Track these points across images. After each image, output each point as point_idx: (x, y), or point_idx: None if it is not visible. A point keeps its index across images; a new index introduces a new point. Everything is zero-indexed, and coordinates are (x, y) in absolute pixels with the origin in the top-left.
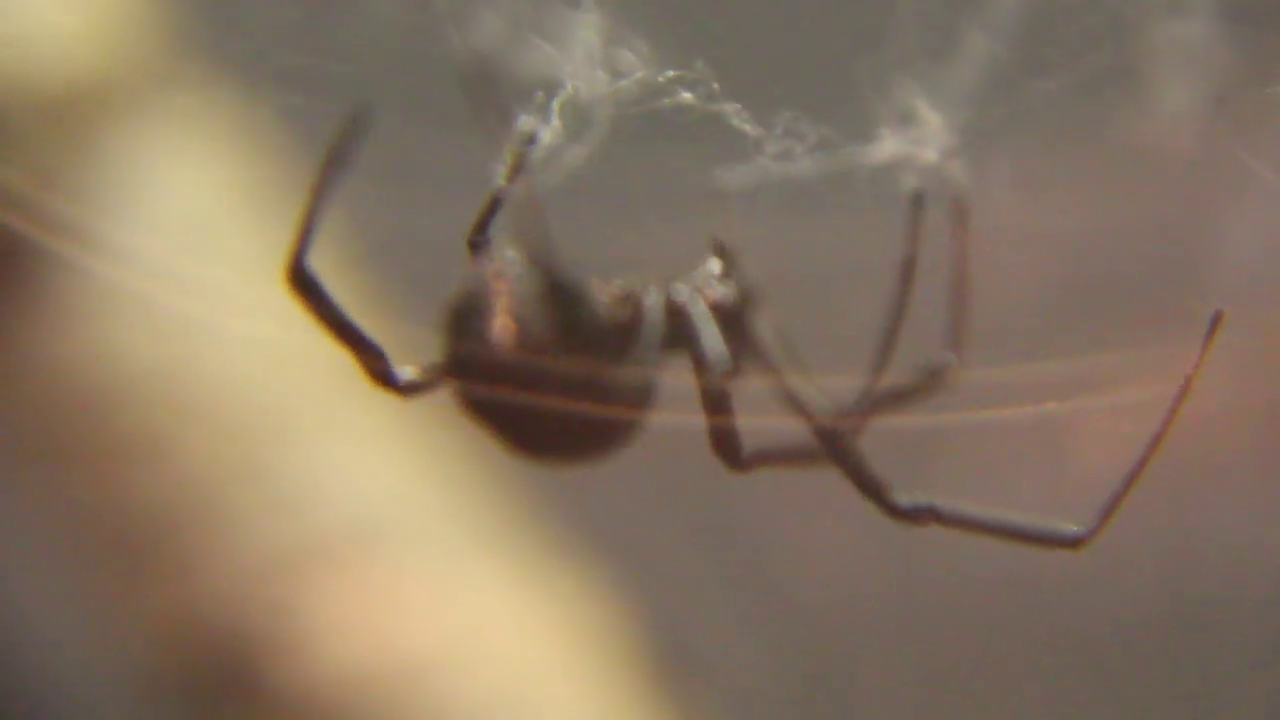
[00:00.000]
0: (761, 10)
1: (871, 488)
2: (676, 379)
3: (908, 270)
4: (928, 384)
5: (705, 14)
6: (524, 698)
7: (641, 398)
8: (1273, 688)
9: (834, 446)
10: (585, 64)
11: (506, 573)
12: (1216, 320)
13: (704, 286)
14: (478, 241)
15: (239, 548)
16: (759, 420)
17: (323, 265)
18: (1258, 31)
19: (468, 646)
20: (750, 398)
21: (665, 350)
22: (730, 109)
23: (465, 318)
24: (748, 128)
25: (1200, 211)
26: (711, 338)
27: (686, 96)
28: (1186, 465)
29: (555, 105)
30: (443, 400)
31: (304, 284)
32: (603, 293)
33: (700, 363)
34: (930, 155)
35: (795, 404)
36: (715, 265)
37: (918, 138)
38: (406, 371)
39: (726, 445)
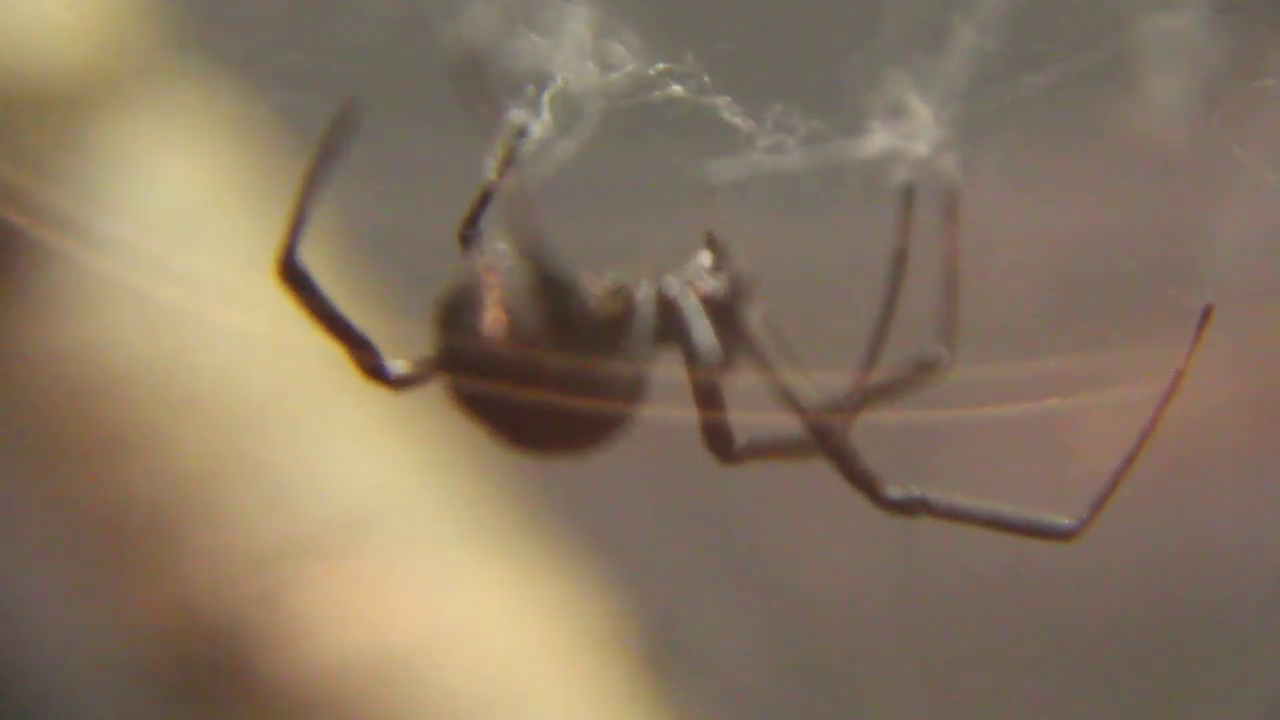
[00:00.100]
0: (752, 3)
1: (862, 480)
2: (668, 372)
3: (899, 263)
4: (919, 377)
5: (696, 7)
6: (515, 690)
7: (633, 390)
8: (1273, 684)
9: (825, 439)
10: (575, 57)
11: (498, 565)
12: (1207, 314)
13: (695, 279)
14: (469, 234)
15: (230, 540)
16: (750, 413)
17: (314, 259)
18: (1248, 24)
19: (459, 638)
20: (741, 391)
21: (656, 343)
22: (721, 102)
23: (456, 311)
24: (738, 121)
25: (1191, 205)
26: (702, 331)
27: (677, 89)
28: (1184, 462)
29: (546, 98)
30: (434, 394)
31: (295, 278)
32: (594, 286)
33: (691, 355)
34: (921, 149)
35: (786, 397)
36: (706, 258)
37: (909, 131)
38: (398, 365)
39: (718, 438)
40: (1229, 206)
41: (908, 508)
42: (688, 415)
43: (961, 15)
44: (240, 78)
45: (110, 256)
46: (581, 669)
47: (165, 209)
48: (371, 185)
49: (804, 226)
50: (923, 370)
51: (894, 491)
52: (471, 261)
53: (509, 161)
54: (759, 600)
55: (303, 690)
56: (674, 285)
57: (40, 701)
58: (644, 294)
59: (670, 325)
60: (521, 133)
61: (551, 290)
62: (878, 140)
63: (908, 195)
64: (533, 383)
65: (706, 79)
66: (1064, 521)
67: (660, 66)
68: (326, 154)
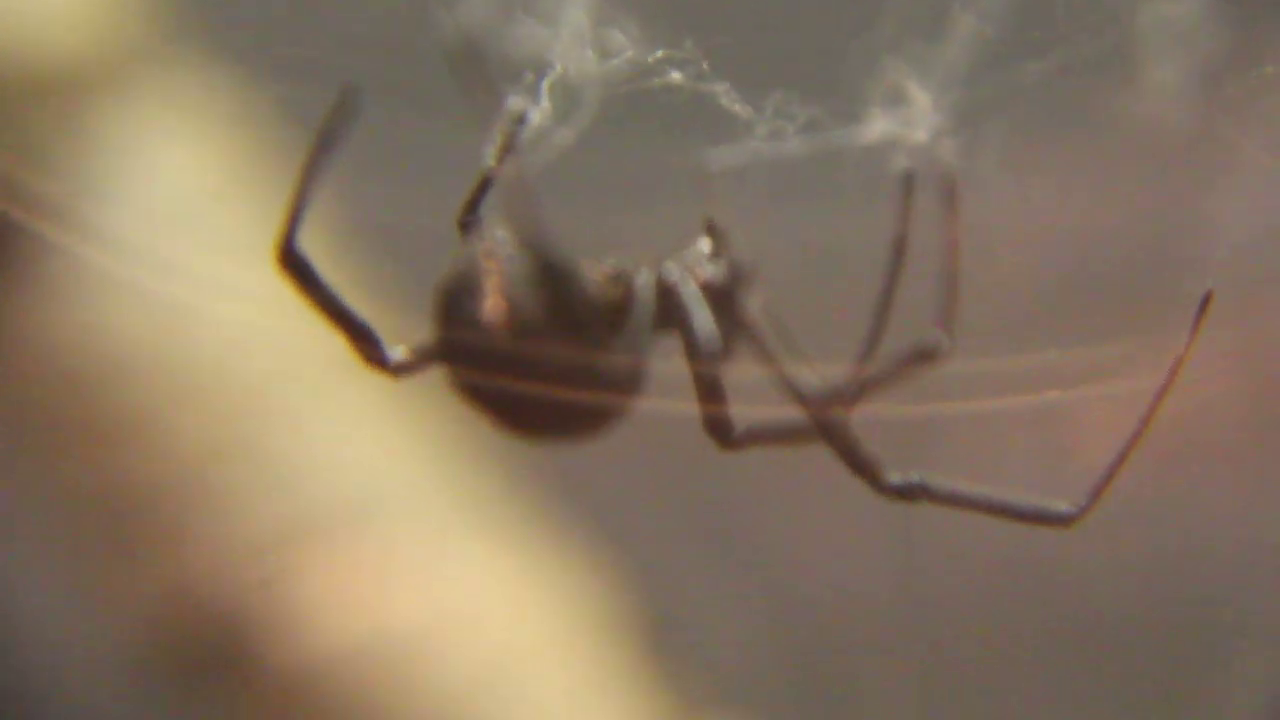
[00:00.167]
0: None
1: (862, 466)
2: (668, 358)
3: (898, 251)
4: (918, 364)
5: None
6: (515, 675)
7: (632, 377)
8: (1273, 683)
9: (825, 425)
10: (574, 44)
11: (498, 551)
12: (1206, 301)
13: (694, 266)
14: (468, 222)
15: (230, 526)
16: (750, 399)
17: (313, 249)
18: (1247, 11)
19: (458, 623)
20: (741, 376)
21: (656, 330)
22: (720, 89)
23: (456, 298)
24: (737, 108)
25: (1191, 192)
26: (702, 317)
27: (676, 77)
28: (1183, 456)
29: (545, 85)
30: (434, 380)
31: (295, 265)
32: (593, 272)
33: (691, 342)
34: (920, 136)
35: (786, 382)
36: (706, 245)
37: (908, 118)
38: (397, 352)
39: (717, 424)
40: (1229, 194)
41: (908, 493)
42: (688, 402)
43: (961, 2)
44: (240, 67)
45: (109, 250)
46: (581, 655)
47: (163, 197)
48: (370, 175)
49: (803, 213)
50: (922, 357)
51: (894, 477)
52: (471, 248)
53: (508, 148)
54: (759, 587)
55: (303, 676)
56: (673, 271)
57: (37, 689)
58: (643, 280)
59: (670, 311)
60: (520, 120)
61: (551, 277)
62: (877, 127)
63: (907, 182)
64: (532, 369)
65: (705, 66)
66: (1063, 508)
67: (659, 54)
68: (326, 141)
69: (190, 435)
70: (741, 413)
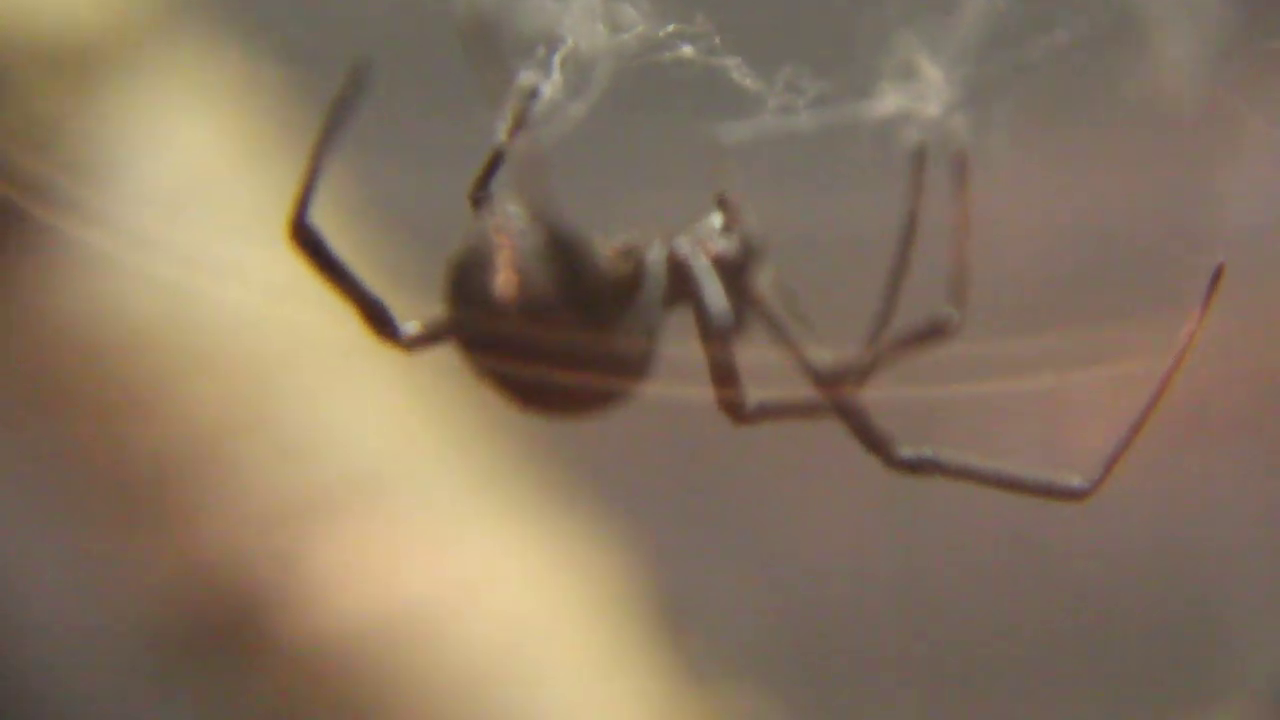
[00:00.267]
0: None
1: (874, 440)
2: (680, 333)
3: (910, 225)
4: (929, 339)
5: None
6: (526, 647)
7: (644, 352)
8: (1273, 681)
9: (836, 399)
10: (585, 18)
11: (509, 525)
12: (1217, 276)
13: (706, 240)
14: (480, 196)
15: (242, 498)
16: (762, 374)
17: (325, 223)
18: None
19: (470, 597)
20: (754, 351)
21: (668, 305)
22: (731, 63)
23: (467, 273)
24: (748, 82)
25: (1201, 167)
26: (713, 291)
27: (687, 51)
28: (1188, 445)
29: (556, 60)
30: (446, 354)
31: (307, 240)
32: (605, 247)
33: (703, 317)
34: (932, 110)
35: (798, 357)
36: (717, 219)
37: (919, 93)
38: (410, 327)
39: (730, 399)
40: (1240, 169)
41: (919, 468)
42: (700, 377)
43: None
44: (253, 43)
45: (119, 236)
46: (592, 628)
47: (175, 172)
48: (381, 151)
49: (814, 188)
50: (933, 333)
51: (905, 452)
52: (482, 223)
53: (519, 123)
54: (770, 561)
55: (316, 650)
56: (685, 246)
57: (49, 664)
58: (655, 255)
59: (681, 286)
60: (532, 94)
61: (562, 251)
62: (888, 102)
63: (918, 157)
64: (544, 344)
65: (717, 40)
66: (1075, 482)
67: (670, 28)
68: (338, 115)
69: (204, 409)
70: (753, 386)
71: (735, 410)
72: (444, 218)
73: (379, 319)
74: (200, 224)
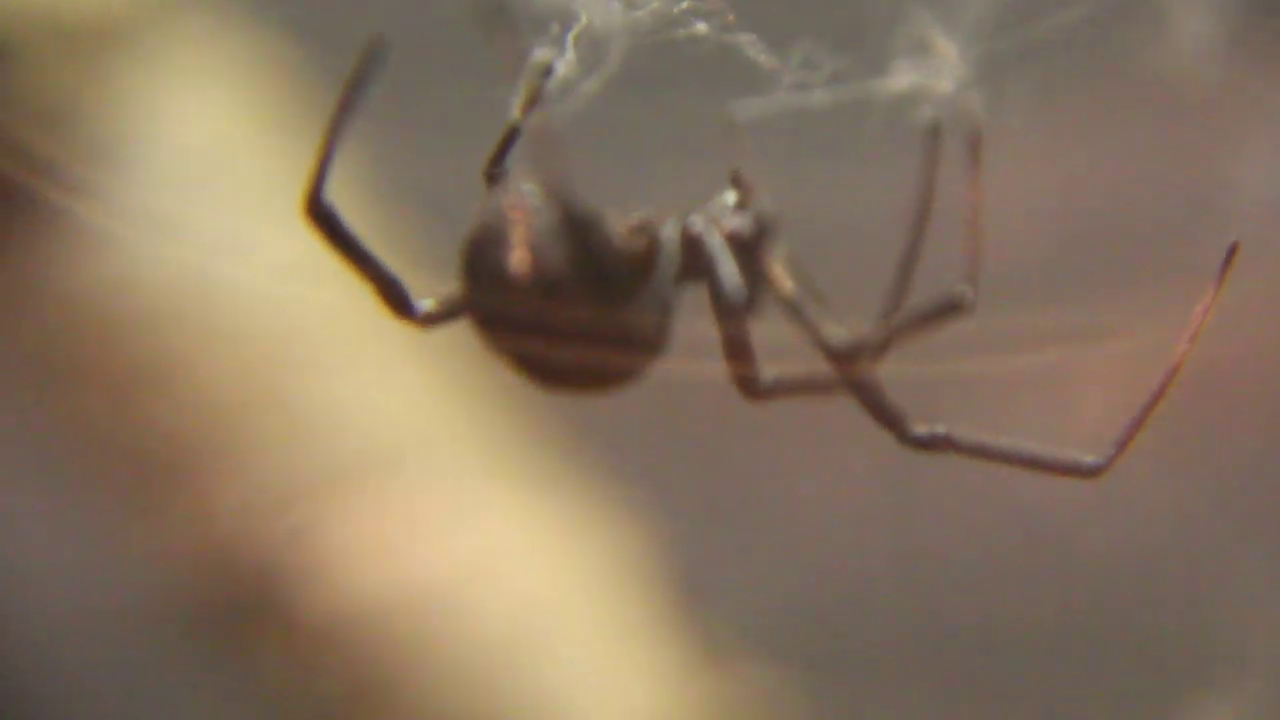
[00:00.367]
0: None
1: (888, 417)
2: (693, 309)
3: (924, 202)
4: (943, 316)
5: None
6: (541, 622)
7: (658, 328)
8: (1273, 679)
9: (850, 375)
10: None
11: (524, 499)
12: (1232, 252)
13: (720, 217)
14: (494, 173)
15: (257, 475)
16: (776, 351)
17: (341, 200)
18: None
19: (485, 573)
20: (768, 327)
21: (681, 281)
22: (745, 40)
23: (482, 249)
24: (763, 59)
25: (1217, 143)
26: (727, 268)
27: (701, 28)
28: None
29: (570, 37)
30: (461, 330)
31: (322, 216)
32: (619, 224)
33: (717, 293)
34: (946, 87)
35: (812, 334)
36: (731, 196)
37: (934, 69)
38: (425, 303)
39: (744, 375)
40: (1255, 145)
41: (933, 445)
42: (714, 353)
43: None
44: (268, 20)
45: (132, 216)
46: (607, 604)
47: (191, 151)
48: (396, 128)
49: (828, 165)
50: (947, 309)
51: (919, 429)
52: (497, 200)
53: (534, 100)
54: (783, 537)
55: (332, 625)
56: (699, 223)
57: (63, 640)
58: (669, 232)
59: (695, 263)
60: (546, 71)
61: (577, 228)
62: (903, 79)
63: (933, 134)
64: (558, 320)
65: (731, 17)
66: (1089, 459)
67: (685, 4)
68: (353, 91)
69: (219, 387)
70: (767, 362)
71: (749, 386)
72: (459, 194)
73: (394, 296)
74: (215, 202)
